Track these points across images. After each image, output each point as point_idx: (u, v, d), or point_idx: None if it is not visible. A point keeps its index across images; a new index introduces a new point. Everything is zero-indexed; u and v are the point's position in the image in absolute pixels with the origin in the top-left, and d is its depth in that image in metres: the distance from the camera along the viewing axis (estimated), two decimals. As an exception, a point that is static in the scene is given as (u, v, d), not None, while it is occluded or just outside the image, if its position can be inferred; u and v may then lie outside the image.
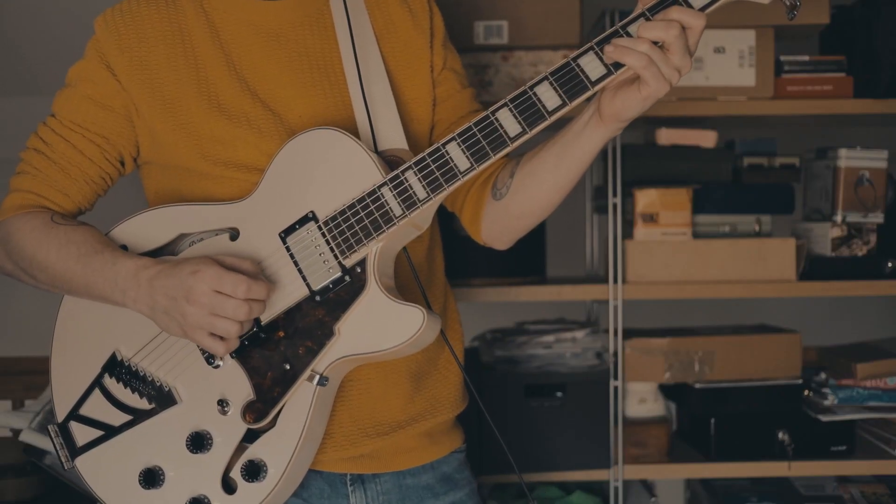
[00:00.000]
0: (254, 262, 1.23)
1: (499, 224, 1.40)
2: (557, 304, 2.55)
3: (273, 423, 1.24)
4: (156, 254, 1.29)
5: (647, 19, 1.16)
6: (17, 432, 1.91)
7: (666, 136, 2.18)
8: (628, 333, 2.16)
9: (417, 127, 1.39)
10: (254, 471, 1.23)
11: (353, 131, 1.30)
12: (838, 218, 2.15)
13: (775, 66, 2.14)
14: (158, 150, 1.33)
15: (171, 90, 1.30)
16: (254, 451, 1.24)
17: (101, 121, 1.32)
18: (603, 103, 1.22)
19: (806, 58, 2.15)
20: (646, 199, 2.11)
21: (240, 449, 1.24)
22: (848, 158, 2.15)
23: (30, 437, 1.77)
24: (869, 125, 2.51)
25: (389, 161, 1.27)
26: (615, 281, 2.10)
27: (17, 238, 1.31)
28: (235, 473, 1.24)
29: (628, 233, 2.14)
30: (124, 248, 1.30)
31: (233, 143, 1.29)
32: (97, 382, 1.30)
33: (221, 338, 1.19)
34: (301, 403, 1.23)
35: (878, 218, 2.16)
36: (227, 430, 1.24)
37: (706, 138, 2.18)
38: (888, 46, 2.12)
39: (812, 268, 2.15)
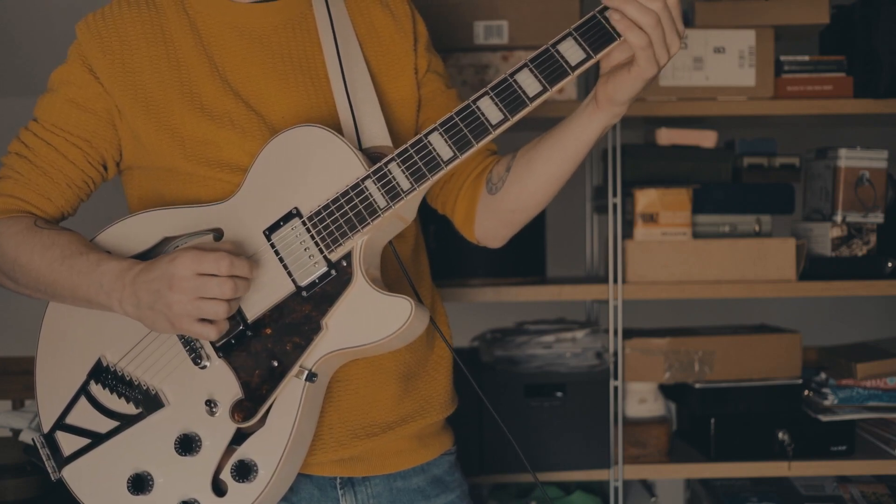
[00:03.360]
0: (234, 243, 1.23)
1: (493, 219, 1.40)
2: (557, 304, 2.55)
3: (262, 423, 1.23)
4: (140, 258, 1.27)
5: None
6: (17, 432, 1.91)
7: (666, 136, 2.18)
8: (628, 333, 2.16)
9: (401, 128, 1.39)
10: (244, 471, 1.22)
11: (337, 129, 1.30)
12: (838, 218, 2.15)
13: (775, 66, 2.14)
14: (142, 153, 1.32)
15: (154, 92, 1.30)
16: (243, 452, 1.23)
17: (83, 124, 1.31)
18: (598, 89, 1.23)
19: (806, 58, 2.15)
20: (646, 199, 2.10)
21: (229, 451, 1.23)
22: (848, 158, 2.15)
23: (30, 437, 1.77)
24: (869, 125, 2.51)
25: (373, 157, 1.27)
26: (615, 281, 2.10)
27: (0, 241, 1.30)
28: (226, 475, 1.23)
29: (628, 233, 2.14)
30: (108, 253, 1.28)
31: (216, 142, 1.29)
32: (83, 390, 1.29)
33: (211, 322, 1.18)
34: (290, 401, 1.22)
35: (878, 218, 2.16)
36: (216, 432, 1.23)
37: (706, 138, 2.18)
38: (888, 46, 2.12)
39: (812, 268, 2.15)
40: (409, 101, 1.41)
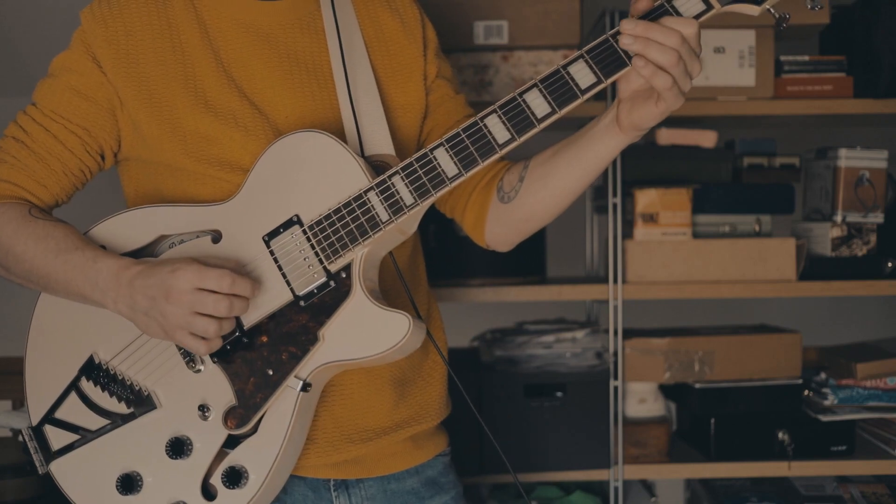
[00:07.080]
0: (237, 262, 1.22)
1: (505, 227, 1.40)
2: (557, 304, 2.55)
3: (254, 429, 1.22)
4: (135, 255, 1.26)
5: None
6: (17, 432, 1.91)
7: (666, 136, 2.18)
8: (628, 333, 2.16)
9: (404, 133, 1.38)
10: (235, 477, 1.21)
11: (340, 134, 1.29)
12: (838, 218, 2.15)
13: (775, 66, 2.14)
14: (141, 145, 1.30)
15: (158, 85, 1.28)
16: (234, 458, 1.22)
17: (83, 112, 1.29)
18: (621, 114, 1.22)
19: (806, 58, 2.15)
20: (646, 199, 2.10)
21: (220, 455, 1.23)
22: (848, 158, 2.15)
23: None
24: (869, 125, 2.51)
25: (376, 166, 1.27)
26: (615, 281, 2.10)
27: None
28: (216, 480, 1.22)
29: (628, 233, 2.14)
30: (103, 248, 1.27)
31: (218, 140, 1.27)
32: (73, 385, 1.28)
33: (204, 337, 1.18)
34: (283, 409, 1.22)
35: (878, 218, 2.16)
36: (208, 436, 1.23)
37: (706, 138, 2.18)
38: (888, 46, 2.12)
39: (812, 268, 2.15)
40: (414, 108, 1.40)
